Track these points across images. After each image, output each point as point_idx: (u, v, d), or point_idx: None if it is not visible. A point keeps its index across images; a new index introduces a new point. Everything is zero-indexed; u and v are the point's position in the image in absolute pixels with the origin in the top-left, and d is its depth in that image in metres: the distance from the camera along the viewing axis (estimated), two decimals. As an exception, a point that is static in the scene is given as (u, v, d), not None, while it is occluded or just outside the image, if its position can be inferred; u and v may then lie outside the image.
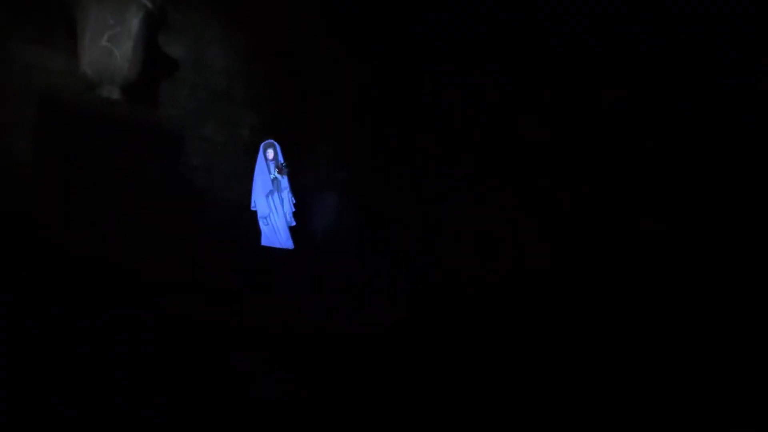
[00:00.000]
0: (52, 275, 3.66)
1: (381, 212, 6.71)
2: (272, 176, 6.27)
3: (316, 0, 7.14)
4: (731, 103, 4.65)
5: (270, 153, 6.32)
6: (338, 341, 4.24)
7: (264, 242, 6.18)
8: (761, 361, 3.55)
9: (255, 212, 6.33)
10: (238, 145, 7.05)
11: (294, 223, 6.35)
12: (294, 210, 6.39)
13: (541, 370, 4.05)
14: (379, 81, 6.77)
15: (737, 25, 4.46)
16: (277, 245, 6.14)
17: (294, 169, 6.44)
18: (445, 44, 6.41)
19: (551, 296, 5.36)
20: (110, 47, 5.13)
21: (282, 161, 6.30)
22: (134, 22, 5.27)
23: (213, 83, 6.91)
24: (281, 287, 5.76)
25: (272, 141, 6.36)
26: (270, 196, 6.25)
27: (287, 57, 7.11)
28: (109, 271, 4.54)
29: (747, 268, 4.53)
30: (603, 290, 5.15)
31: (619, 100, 5.19)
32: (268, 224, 6.24)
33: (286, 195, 6.34)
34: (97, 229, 4.92)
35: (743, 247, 4.64)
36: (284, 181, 6.33)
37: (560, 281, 5.47)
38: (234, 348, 3.83)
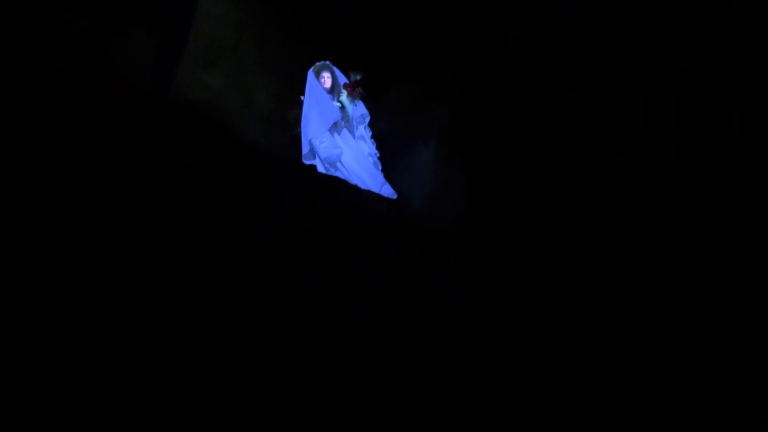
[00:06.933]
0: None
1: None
2: (337, 103, 3.78)
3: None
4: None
5: (326, 78, 3.88)
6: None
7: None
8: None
9: (311, 167, 3.66)
10: (252, 114, 4.55)
11: (380, 167, 3.71)
12: (378, 154, 3.78)
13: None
14: None
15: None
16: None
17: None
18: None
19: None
20: None
21: (350, 79, 3.86)
22: None
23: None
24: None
25: (327, 62, 3.97)
26: (336, 132, 3.68)
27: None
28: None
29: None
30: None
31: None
32: (338, 171, 3.57)
33: (365, 129, 3.80)
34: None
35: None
36: (359, 109, 3.82)
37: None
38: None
